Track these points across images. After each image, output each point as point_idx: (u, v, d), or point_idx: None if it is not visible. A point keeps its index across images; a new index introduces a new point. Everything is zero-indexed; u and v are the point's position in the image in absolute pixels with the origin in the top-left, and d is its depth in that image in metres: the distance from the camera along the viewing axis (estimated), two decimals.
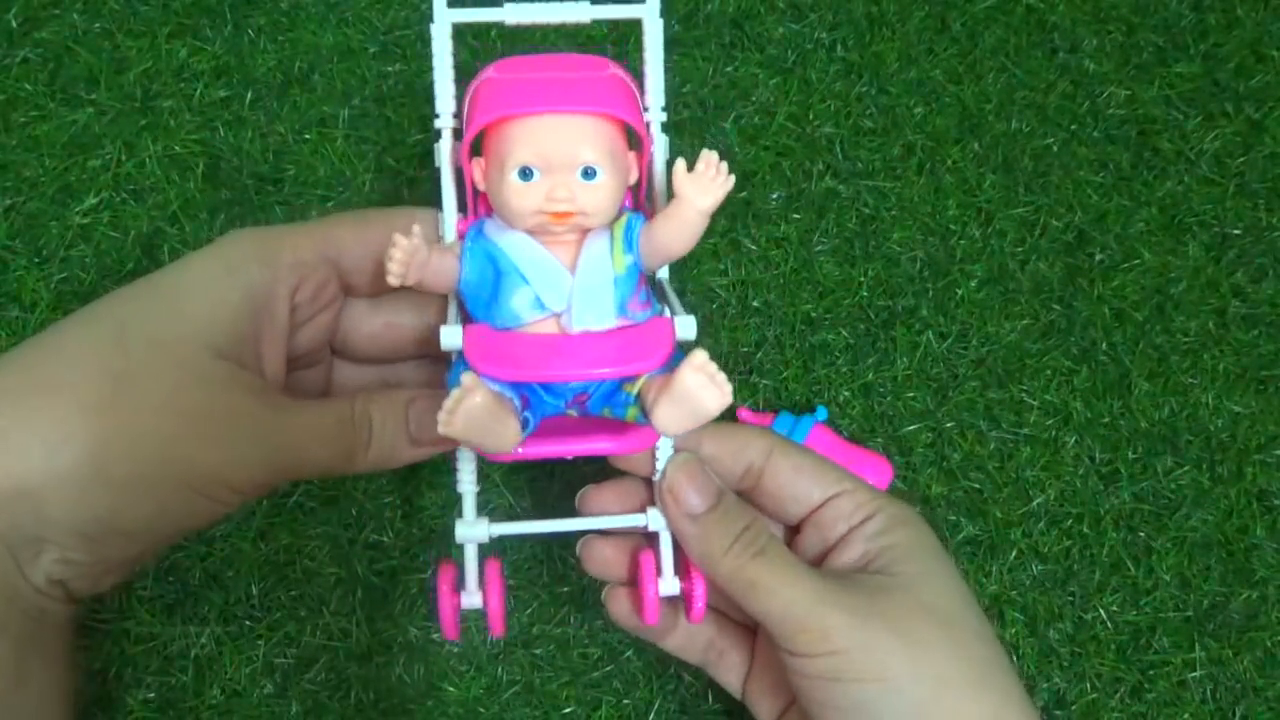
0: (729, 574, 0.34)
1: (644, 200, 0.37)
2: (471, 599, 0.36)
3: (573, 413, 0.34)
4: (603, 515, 0.38)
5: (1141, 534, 0.49)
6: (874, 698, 0.32)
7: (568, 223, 0.32)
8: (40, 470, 0.30)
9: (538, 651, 0.46)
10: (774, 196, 0.53)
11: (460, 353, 0.31)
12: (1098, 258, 0.54)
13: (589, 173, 0.31)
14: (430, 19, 0.34)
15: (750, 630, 0.41)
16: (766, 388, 0.50)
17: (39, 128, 0.51)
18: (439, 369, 0.41)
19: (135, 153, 0.51)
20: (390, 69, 0.54)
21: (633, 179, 0.34)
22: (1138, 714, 0.47)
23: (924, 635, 0.32)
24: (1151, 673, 0.47)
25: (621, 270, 0.32)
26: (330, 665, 0.45)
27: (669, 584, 0.37)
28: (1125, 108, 0.56)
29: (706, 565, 0.35)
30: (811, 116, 0.55)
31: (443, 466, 0.48)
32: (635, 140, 0.34)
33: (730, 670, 0.41)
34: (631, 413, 0.32)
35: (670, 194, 0.32)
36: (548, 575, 0.47)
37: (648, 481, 0.38)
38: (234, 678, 0.44)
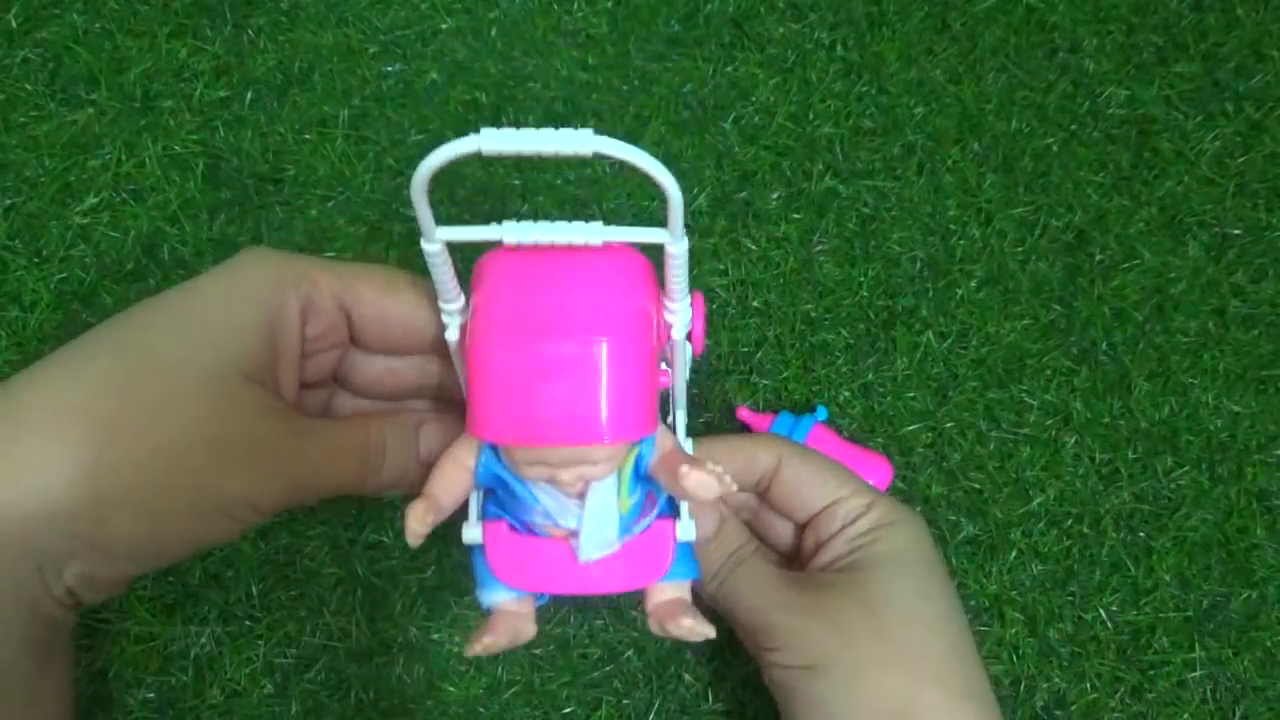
0: (714, 589, 0.39)
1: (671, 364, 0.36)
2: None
3: None
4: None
5: (1141, 534, 0.49)
6: (808, 681, 0.35)
7: (574, 487, 0.32)
8: (72, 492, 0.31)
9: (538, 651, 0.46)
10: (774, 196, 0.53)
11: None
12: (1098, 258, 0.54)
13: (594, 462, 0.31)
14: (419, 236, 0.30)
15: None
16: (766, 388, 0.50)
17: (39, 128, 0.51)
18: (440, 401, 0.41)
19: (135, 153, 0.51)
20: (390, 69, 0.54)
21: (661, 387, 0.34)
22: (1138, 714, 0.47)
23: (851, 623, 0.35)
24: (1151, 673, 0.47)
25: (627, 509, 0.33)
26: (330, 665, 0.45)
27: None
28: (1125, 108, 0.56)
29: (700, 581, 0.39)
30: (811, 116, 0.55)
31: None
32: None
33: None
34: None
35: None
36: None
37: None
38: (234, 678, 0.44)
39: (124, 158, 0.51)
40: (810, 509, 0.39)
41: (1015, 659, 0.47)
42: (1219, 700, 0.47)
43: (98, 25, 0.53)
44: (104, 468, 0.31)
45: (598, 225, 0.29)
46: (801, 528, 0.41)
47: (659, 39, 0.56)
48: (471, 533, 0.34)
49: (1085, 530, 0.49)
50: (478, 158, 0.28)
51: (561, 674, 0.46)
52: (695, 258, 0.52)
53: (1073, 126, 0.56)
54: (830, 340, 0.51)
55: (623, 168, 0.49)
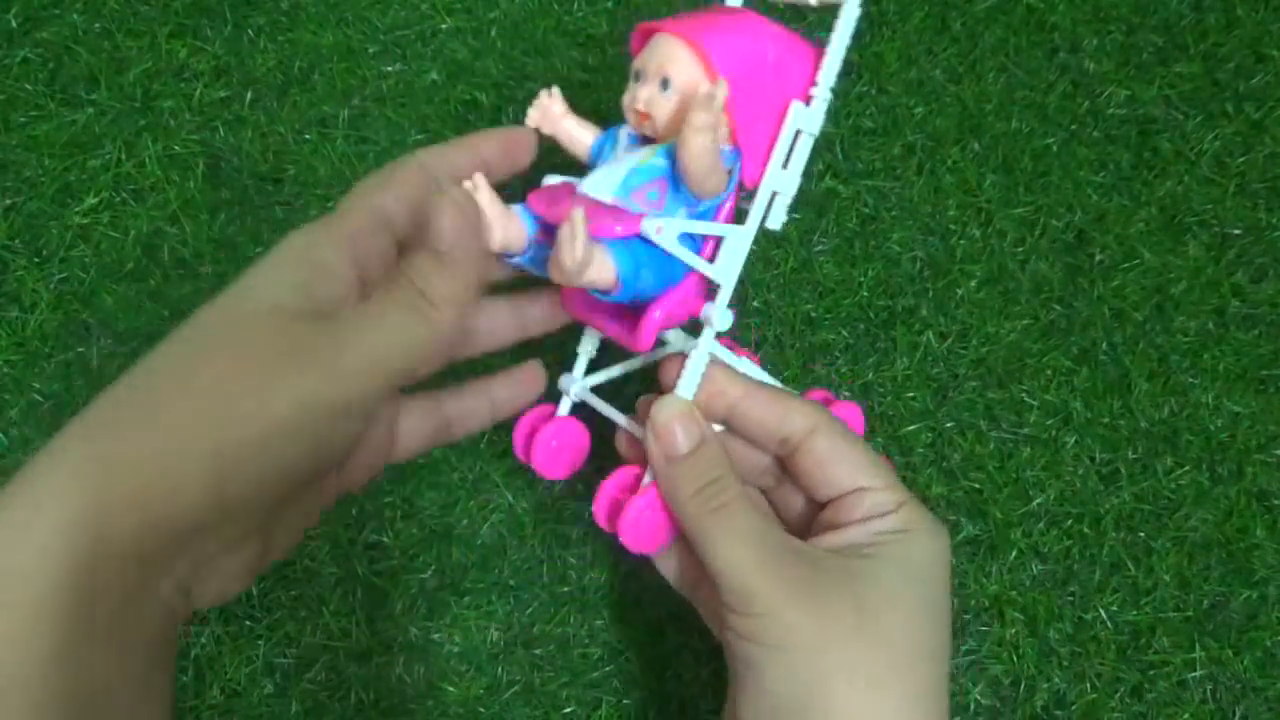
0: (688, 520, 0.36)
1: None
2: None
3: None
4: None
5: (1141, 534, 0.49)
6: (766, 661, 0.33)
7: (645, 125, 0.36)
8: (168, 472, 0.29)
9: (538, 651, 0.46)
10: None
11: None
12: (1098, 258, 0.54)
13: (665, 84, 0.35)
14: None
15: None
16: None
17: (39, 128, 0.51)
18: None
19: (135, 153, 0.51)
20: (390, 69, 0.54)
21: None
22: (1138, 714, 0.47)
23: (837, 620, 0.33)
24: (1151, 673, 0.47)
25: (642, 163, 0.35)
26: (330, 665, 0.45)
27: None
28: (1125, 108, 0.56)
29: (673, 506, 0.36)
30: None
31: (442, 466, 0.48)
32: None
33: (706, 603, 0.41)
34: None
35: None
36: (548, 575, 0.47)
37: None
38: (234, 678, 0.44)
39: (124, 158, 0.51)
40: (835, 488, 0.37)
41: (1015, 659, 0.47)
42: (1219, 700, 0.47)
43: (98, 25, 0.53)
44: (194, 448, 0.29)
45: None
46: (820, 506, 0.38)
47: None
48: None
49: (1085, 530, 0.49)
50: None
51: (561, 674, 0.46)
52: None
53: (1073, 126, 0.56)
54: (830, 340, 0.51)
55: None
